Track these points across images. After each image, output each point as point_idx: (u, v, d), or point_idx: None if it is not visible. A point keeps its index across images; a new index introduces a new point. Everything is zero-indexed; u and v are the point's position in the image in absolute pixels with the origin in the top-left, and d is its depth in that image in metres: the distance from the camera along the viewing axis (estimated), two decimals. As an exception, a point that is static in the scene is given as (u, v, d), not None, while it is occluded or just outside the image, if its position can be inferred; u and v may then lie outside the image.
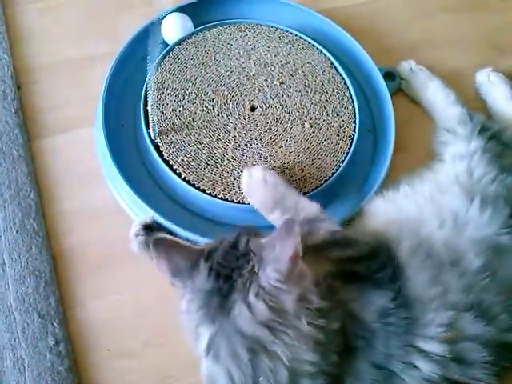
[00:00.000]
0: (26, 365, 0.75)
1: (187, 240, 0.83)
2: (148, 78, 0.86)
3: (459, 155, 0.86)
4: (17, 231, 0.83)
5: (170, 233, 0.83)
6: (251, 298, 0.58)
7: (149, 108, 0.87)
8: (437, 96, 1.00)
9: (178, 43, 0.96)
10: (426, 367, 0.62)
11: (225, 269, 0.61)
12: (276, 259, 0.58)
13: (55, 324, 0.78)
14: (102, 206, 0.87)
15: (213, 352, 0.59)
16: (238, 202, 0.84)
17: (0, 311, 0.78)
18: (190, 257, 0.63)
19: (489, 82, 1.04)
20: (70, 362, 0.76)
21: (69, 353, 0.77)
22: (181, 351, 0.77)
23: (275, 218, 0.80)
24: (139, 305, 0.82)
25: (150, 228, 0.82)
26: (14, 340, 0.77)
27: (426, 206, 0.78)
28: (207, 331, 0.60)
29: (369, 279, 0.66)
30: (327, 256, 0.68)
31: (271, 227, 0.86)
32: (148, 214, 0.84)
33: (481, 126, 0.90)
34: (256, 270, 0.59)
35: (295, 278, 0.59)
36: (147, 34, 0.97)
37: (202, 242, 0.82)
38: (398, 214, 0.78)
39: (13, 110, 0.93)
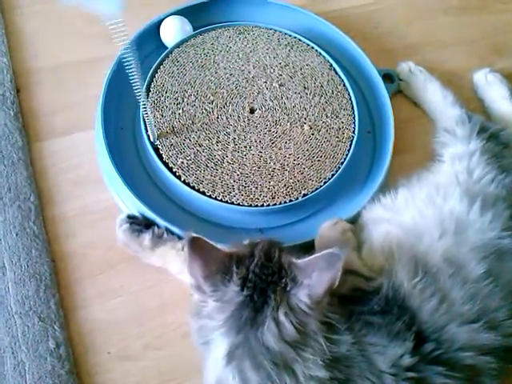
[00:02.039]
0: (26, 368, 0.75)
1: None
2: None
3: (458, 156, 0.86)
4: (17, 234, 0.83)
5: (154, 223, 0.83)
6: (281, 316, 0.60)
7: (147, 111, 0.87)
8: (436, 97, 1.00)
9: (177, 46, 0.96)
10: None
11: (262, 282, 0.61)
12: (311, 286, 0.60)
13: (56, 327, 0.78)
14: (102, 209, 0.87)
15: (235, 362, 0.59)
16: (238, 204, 0.84)
17: (0, 314, 0.78)
18: (221, 261, 0.63)
19: (486, 82, 1.05)
20: (70, 365, 0.76)
21: (69, 356, 0.77)
22: (183, 354, 0.78)
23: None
24: (140, 307, 0.82)
25: (134, 218, 0.83)
26: (15, 343, 0.77)
27: (426, 212, 0.77)
28: (226, 340, 0.60)
29: (385, 328, 0.66)
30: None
31: (271, 229, 0.87)
32: (147, 217, 0.84)
33: (480, 126, 0.90)
34: (288, 288, 0.61)
35: (323, 306, 0.61)
36: (147, 35, 0.98)
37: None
38: (398, 225, 0.78)
39: (12, 114, 0.93)
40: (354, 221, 0.85)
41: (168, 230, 0.82)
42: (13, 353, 0.76)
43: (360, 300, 0.69)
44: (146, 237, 0.81)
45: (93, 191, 0.89)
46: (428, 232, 0.74)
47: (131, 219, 0.83)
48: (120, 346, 0.79)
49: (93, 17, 1.07)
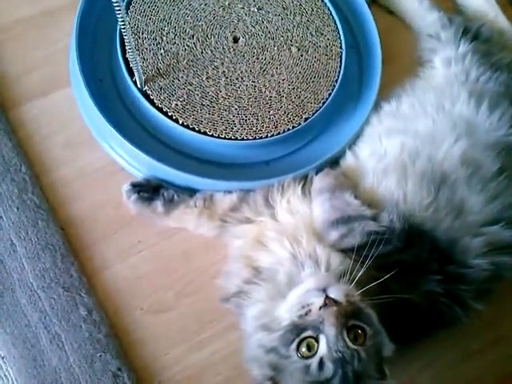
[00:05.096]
0: (63, 339, 0.73)
1: (188, 189, 0.81)
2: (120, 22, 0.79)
3: (451, 60, 0.86)
4: (17, 208, 0.78)
5: (160, 185, 0.80)
6: None
7: (129, 56, 0.81)
8: (412, 4, 0.99)
9: (142, -18, 0.89)
10: None
11: None
12: None
13: (82, 294, 0.76)
14: (100, 167, 0.83)
15: None
16: (242, 139, 0.81)
17: (22, 292, 0.75)
18: None
19: None
20: (107, 328, 0.75)
21: (103, 319, 0.75)
22: (216, 293, 0.77)
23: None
24: (163, 258, 0.80)
25: (139, 185, 0.80)
26: (45, 317, 0.74)
27: (438, 119, 0.78)
28: None
29: (415, 264, 0.67)
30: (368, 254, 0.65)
31: (277, 160, 0.86)
32: (147, 166, 0.81)
33: (463, 27, 0.90)
34: None
35: None
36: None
37: (200, 184, 0.80)
38: (414, 134, 0.77)
39: (-24, 82, 0.85)
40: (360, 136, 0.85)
41: (176, 191, 0.80)
42: (45, 327, 0.74)
43: (381, 242, 0.67)
44: (158, 204, 0.79)
45: (86, 150, 0.84)
46: (444, 138, 0.75)
47: (137, 187, 0.79)
48: (152, 300, 0.78)
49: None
